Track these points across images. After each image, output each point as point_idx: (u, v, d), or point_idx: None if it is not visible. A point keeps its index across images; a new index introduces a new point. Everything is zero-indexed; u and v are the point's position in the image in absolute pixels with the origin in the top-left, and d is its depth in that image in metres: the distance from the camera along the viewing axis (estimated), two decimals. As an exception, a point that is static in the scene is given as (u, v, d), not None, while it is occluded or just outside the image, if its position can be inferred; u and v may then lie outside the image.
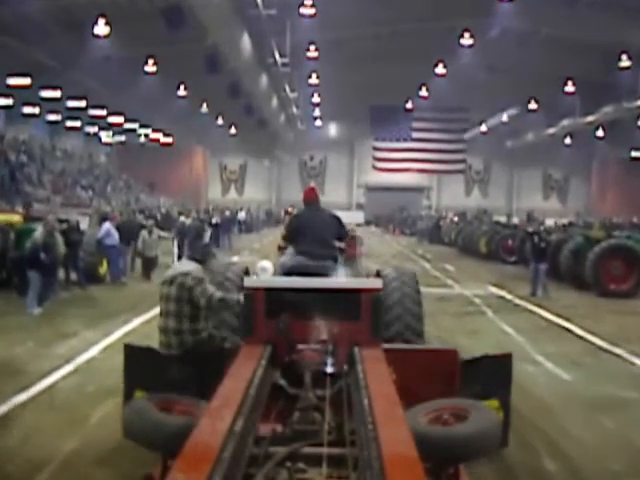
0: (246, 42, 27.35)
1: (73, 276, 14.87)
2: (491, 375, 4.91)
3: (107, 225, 16.09)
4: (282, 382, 4.28)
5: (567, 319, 12.21)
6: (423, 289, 15.05)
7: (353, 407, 3.63)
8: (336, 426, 3.51)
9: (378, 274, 7.10)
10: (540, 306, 13.73)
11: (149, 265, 16.11)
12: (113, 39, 27.77)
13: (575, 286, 16.82)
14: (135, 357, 5.17)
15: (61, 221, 15.27)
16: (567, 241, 18.42)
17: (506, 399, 4.93)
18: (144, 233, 16.04)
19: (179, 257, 17.81)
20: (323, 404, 3.73)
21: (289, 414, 3.71)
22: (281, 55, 28.09)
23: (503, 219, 38.39)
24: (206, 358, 5.01)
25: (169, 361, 5.11)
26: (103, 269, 16.07)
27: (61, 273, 14.49)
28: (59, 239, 12.87)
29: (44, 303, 12.08)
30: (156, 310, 11.82)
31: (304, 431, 3.42)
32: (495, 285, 17.34)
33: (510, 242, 24.48)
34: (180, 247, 19.56)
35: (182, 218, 21.66)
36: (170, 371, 5.01)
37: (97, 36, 27.06)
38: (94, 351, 8.97)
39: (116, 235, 15.90)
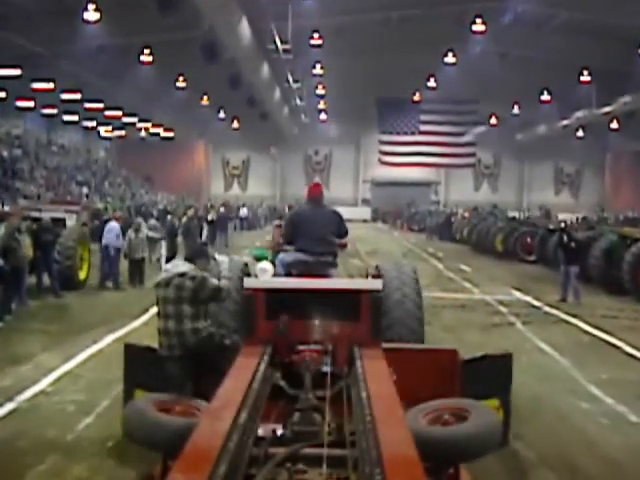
0: (245, 27, 25.51)
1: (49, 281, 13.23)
2: (491, 375, 4.89)
3: (114, 225, 14.34)
4: (282, 383, 4.22)
5: (610, 333, 10.52)
6: (440, 294, 13.38)
7: (353, 408, 3.59)
8: (336, 427, 3.48)
9: (378, 275, 6.72)
10: (575, 316, 12.01)
11: (135, 269, 14.39)
12: (105, 26, 26.19)
13: (608, 290, 15.13)
14: (135, 357, 5.17)
15: (34, 220, 13.66)
16: (597, 239, 16.72)
17: (506, 398, 4.89)
18: (130, 233, 14.29)
19: (167, 260, 16.28)
20: (323, 405, 3.70)
21: (289, 415, 3.69)
22: (282, 41, 26.22)
23: (515, 214, 36.66)
24: (206, 356, 4.95)
25: (169, 361, 4.99)
26: (83, 273, 14.44)
27: (34, 278, 12.90)
28: (25, 241, 11.29)
29: (6, 316, 10.48)
30: (132, 325, 10.27)
31: (304, 432, 3.39)
32: (519, 289, 15.62)
33: (529, 240, 22.74)
34: (170, 249, 17.96)
35: (170, 217, 19.92)
36: (170, 371, 4.93)
37: (87, 22, 25.38)
38: (45, 382, 7.29)
39: (121, 236, 14.29)
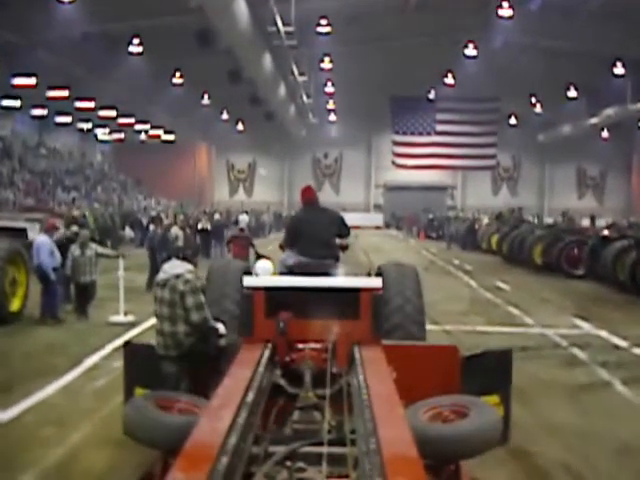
0: (241, 7, 22.19)
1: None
2: (492, 371, 4.76)
3: (44, 239, 10.90)
4: (282, 381, 4.22)
5: None
6: (485, 328, 9.79)
7: (353, 406, 3.54)
8: (336, 425, 3.48)
9: (379, 273, 6.27)
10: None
11: (83, 296, 10.99)
12: (85, 11, 23.10)
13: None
14: (135, 355, 5.10)
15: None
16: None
17: (507, 394, 4.77)
18: (74, 249, 10.87)
19: (150, 281, 13.10)
20: (323, 403, 3.71)
21: (289, 413, 3.74)
22: (285, 23, 22.83)
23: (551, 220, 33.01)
24: (203, 356, 4.95)
25: (166, 360, 5.03)
26: (17, 302, 11.09)
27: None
28: None
29: None
30: (44, 391, 6.98)
31: (304, 430, 3.43)
32: (583, 318, 12.10)
33: (576, 251, 19.24)
34: (153, 263, 14.67)
35: (153, 227, 16.56)
36: (167, 369, 4.97)
37: (61, 1, 22.26)
38: None
39: (56, 253, 10.85)
